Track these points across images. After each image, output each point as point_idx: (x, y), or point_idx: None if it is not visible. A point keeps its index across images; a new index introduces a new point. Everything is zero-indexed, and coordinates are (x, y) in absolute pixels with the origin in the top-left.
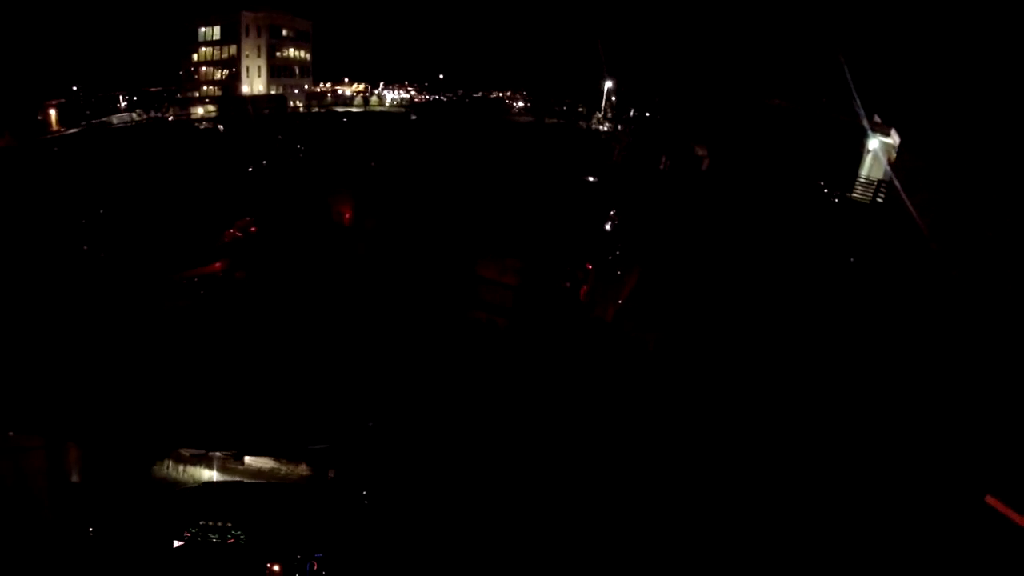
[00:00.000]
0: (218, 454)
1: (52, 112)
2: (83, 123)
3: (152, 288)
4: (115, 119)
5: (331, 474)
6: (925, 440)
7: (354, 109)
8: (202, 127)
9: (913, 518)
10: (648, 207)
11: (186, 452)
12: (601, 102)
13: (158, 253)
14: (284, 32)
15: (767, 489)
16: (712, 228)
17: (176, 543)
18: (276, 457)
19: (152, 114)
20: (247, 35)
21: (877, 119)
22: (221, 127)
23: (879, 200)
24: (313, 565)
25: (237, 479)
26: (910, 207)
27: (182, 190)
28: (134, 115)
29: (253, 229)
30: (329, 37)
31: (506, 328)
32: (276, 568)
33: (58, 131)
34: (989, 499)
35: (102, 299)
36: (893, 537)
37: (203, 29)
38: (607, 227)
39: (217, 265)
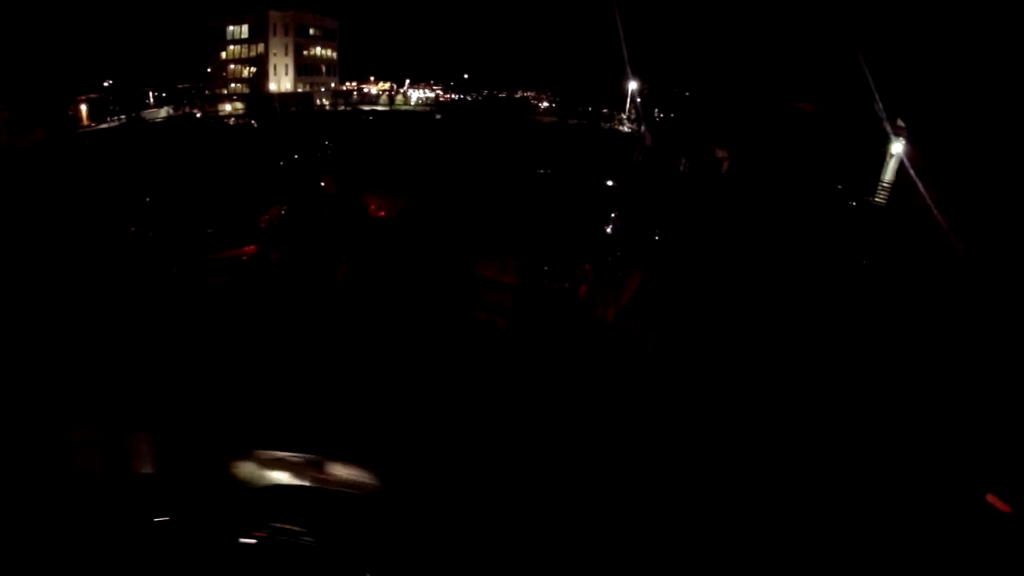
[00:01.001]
0: (298, 457)
1: (83, 107)
2: (113, 118)
3: (193, 266)
4: (146, 114)
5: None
6: (929, 439)
7: (379, 107)
8: (232, 123)
9: (916, 517)
10: (661, 208)
11: (265, 455)
12: (626, 103)
13: (198, 235)
14: (311, 31)
15: (768, 489)
16: (723, 230)
17: (245, 542)
18: (360, 465)
19: (185, 110)
20: (274, 33)
21: (900, 123)
22: (255, 123)
23: (900, 203)
24: None
25: (314, 484)
26: (933, 208)
27: (219, 180)
28: (168, 110)
29: (284, 216)
30: (356, 36)
31: (506, 329)
32: None
33: (89, 125)
34: (990, 498)
35: (150, 275)
36: (894, 536)
37: (231, 27)
38: (607, 229)
39: (252, 248)
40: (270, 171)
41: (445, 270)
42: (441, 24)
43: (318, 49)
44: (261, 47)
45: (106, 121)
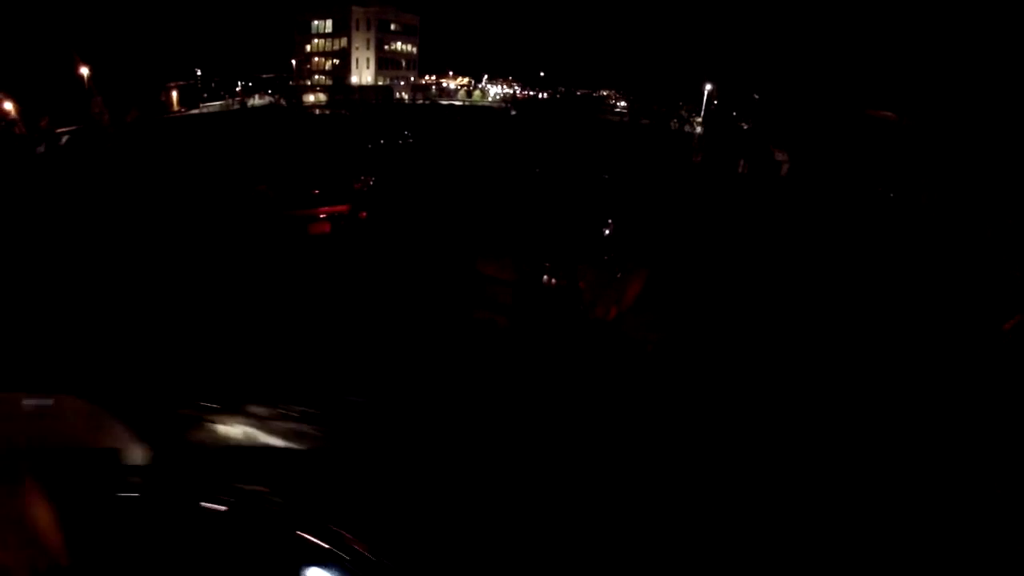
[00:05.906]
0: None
1: (174, 94)
2: (205, 104)
3: (302, 216)
4: (242, 101)
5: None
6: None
7: (457, 102)
8: (317, 113)
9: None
10: (702, 209)
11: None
12: (701, 105)
13: (308, 194)
14: (392, 26)
15: (769, 492)
16: (756, 231)
17: (211, 507)
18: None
19: (277, 99)
20: (357, 28)
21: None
22: (347, 112)
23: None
24: (344, 535)
25: (275, 441)
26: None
27: (322, 154)
28: (258, 97)
29: (372, 185)
30: (435, 31)
31: (506, 327)
32: (309, 537)
33: (179, 111)
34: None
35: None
36: (896, 538)
37: (316, 22)
38: (606, 230)
39: (346, 207)
40: (361, 150)
41: (448, 267)
42: (521, 21)
43: (399, 44)
44: (344, 41)
45: (197, 108)
